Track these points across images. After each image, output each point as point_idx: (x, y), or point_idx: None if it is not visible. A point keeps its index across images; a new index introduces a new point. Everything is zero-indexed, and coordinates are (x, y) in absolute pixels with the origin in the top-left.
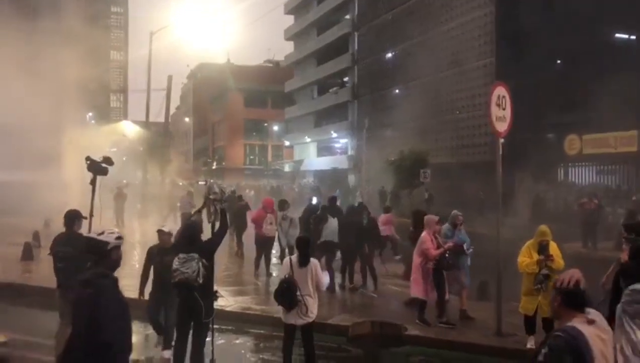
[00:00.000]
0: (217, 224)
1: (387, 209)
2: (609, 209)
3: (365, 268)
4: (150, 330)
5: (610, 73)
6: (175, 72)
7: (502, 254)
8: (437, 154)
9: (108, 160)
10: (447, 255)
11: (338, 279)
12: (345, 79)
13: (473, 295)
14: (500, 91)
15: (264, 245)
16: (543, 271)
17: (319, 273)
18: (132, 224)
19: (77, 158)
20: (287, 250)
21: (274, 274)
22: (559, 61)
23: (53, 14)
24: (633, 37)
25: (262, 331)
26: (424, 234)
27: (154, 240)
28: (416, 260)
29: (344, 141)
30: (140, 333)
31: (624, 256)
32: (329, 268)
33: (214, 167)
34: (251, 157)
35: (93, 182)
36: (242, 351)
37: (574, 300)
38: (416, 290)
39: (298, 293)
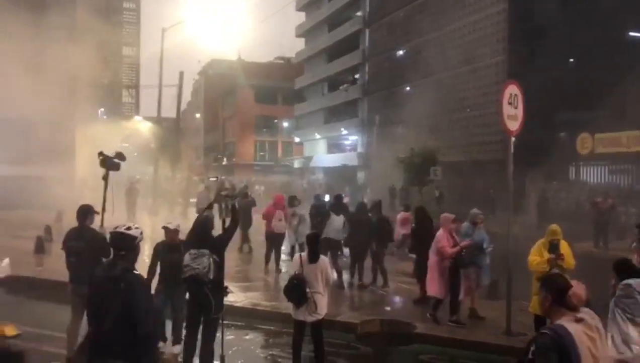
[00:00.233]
0: (228, 221)
1: (407, 207)
2: (622, 209)
3: (376, 266)
4: None
5: (624, 71)
6: (187, 68)
7: (512, 253)
8: (448, 152)
9: (120, 155)
10: (463, 253)
11: (345, 276)
12: (356, 76)
13: (483, 293)
14: (512, 90)
15: (273, 241)
16: (554, 270)
17: (328, 270)
18: (144, 219)
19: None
20: (297, 247)
21: (284, 270)
22: (571, 59)
23: (66, 10)
24: None
25: (271, 327)
26: (439, 232)
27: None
28: (432, 258)
29: (353, 138)
30: None
31: (637, 257)
32: (334, 265)
33: (224, 163)
34: (261, 153)
35: (105, 177)
36: (252, 347)
37: (564, 298)
38: (433, 288)
39: (308, 289)
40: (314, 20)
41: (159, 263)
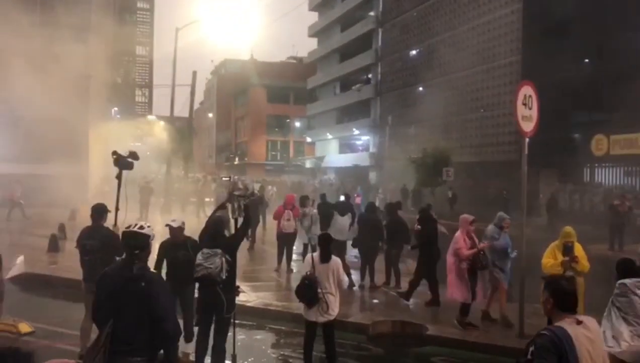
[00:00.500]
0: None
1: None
2: (637, 212)
3: (389, 267)
4: None
5: None
6: (200, 67)
7: (525, 254)
8: (461, 152)
9: (134, 155)
10: (481, 254)
11: (355, 276)
12: (369, 75)
13: (496, 295)
14: (527, 90)
15: (283, 240)
16: (567, 273)
17: (340, 270)
18: (156, 218)
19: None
20: (309, 247)
21: (295, 270)
22: (586, 60)
23: (81, 9)
24: None
25: (282, 327)
26: (457, 234)
27: None
28: (449, 260)
29: (365, 138)
30: None
31: None
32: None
33: (236, 162)
34: (273, 153)
35: (119, 176)
36: (263, 347)
37: (565, 303)
38: (456, 293)
39: (319, 290)
40: (326, 20)
41: (166, 261)
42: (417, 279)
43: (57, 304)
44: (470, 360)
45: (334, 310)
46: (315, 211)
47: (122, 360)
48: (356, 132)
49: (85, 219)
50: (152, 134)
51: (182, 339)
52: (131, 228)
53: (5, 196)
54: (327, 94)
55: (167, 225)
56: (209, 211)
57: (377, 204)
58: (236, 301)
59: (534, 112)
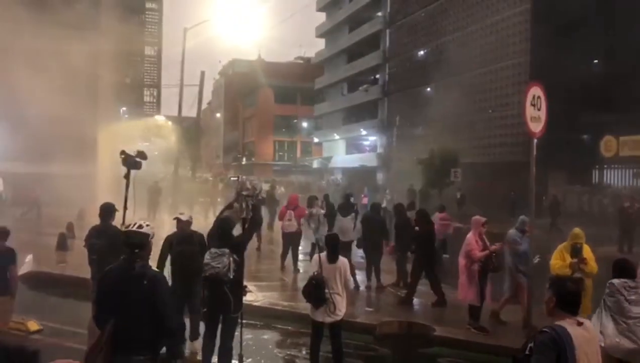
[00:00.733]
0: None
1: (442, 208)
2: None
3: (400, 267)
4: None
5: None
6: (207, 67)
7: (533, 255)
8: (469, 153)
9: (142, 154)
10: (493, 256)
11: (360, 276)
12: (376, 76)
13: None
14: (536, 91)
15: (288, 240)
16: (576, 274)
17: (347, 271)
18: (163, 218)
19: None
20: (317, 248)
21: (301, 270)
22: (595, 60)
23: (90, 9)
24: None
25: (289, 327)
26: (469, 235)
27: None
28: (461, 261)
29: (373, 138)
30: None
31: None
32: None
33: (243, 162)
34: (280, 153)
35: (127, 176)
36: (270, 346)
37: (567, 304)
38: (468, 295)
39: (326, 290)
40: (334, 21)
41: (170, 256)
42: (413, 281)
43: (66, 302)
44: (478, 361)
45: (341, 311)
46: (322, 211)
47: (124, 358)
48: (363, 132)
49: (93, 219)
50: (160, 135)
51: (187, 337)
52: (130, 227)
53: (29, 196)
54: (334, 95)
55: (175, 218)
56: (210, 212)
57: (384, 205)
58: (243, 301)
59: (543, 113)
